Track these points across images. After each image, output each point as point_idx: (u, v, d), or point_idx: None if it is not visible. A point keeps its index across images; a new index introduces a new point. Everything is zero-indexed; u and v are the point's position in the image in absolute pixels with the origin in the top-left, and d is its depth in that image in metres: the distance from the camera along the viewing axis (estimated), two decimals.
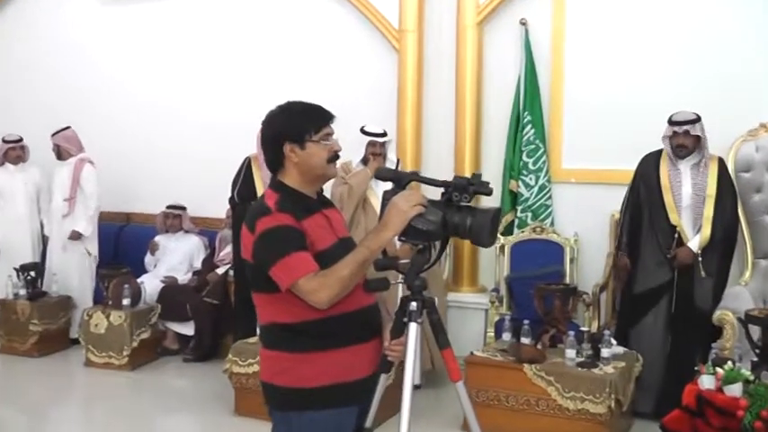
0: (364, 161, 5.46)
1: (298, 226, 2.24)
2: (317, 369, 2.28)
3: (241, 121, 5.85)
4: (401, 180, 2.27)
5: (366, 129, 5.51)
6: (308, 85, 6.19)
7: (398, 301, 2.31)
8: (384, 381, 2.38)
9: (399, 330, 2.28)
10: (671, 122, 4.91)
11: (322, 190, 2.47)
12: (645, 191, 5.02)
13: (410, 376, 2.21)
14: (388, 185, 2.36)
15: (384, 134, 5.53)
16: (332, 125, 2.37)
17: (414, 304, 2.24)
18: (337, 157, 2.38)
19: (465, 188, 2.16)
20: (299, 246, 2.22)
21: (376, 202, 5.28)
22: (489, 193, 2.19)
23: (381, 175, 2.35)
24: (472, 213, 2.17)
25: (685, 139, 4.88)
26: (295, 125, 2.33)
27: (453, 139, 6.16)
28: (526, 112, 5.92)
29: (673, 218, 4.90)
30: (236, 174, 5.63)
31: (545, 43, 5.90)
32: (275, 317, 2.33)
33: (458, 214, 2.18)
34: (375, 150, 5.43)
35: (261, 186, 5.33)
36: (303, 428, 2.30)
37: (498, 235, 5.55)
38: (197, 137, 7.03)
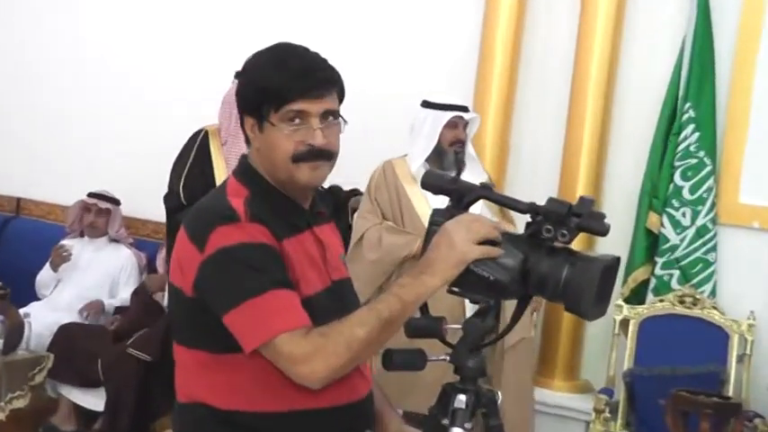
0: (439, 155, 5.03)
1: (278, 248, 2.20)
2: None
3: (208, 88, 6.04)
4: (462, 195, 2.23)
5: (436, 100, 5.16)
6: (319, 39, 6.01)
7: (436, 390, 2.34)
8: None
9: None
10: None
11: (333, 191, 2.58)
12: None
13: None
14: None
15: (468, 108, 5.24)
16: (323, 99, 2.25)
17: (462, 398, 2.19)
18: (311, 155, 2.25)
19: (563, 219, 2.08)
20: (280, 280, 2.16)
21: (417, 197, 5.05)
22: (603, 231, 2.12)
23: (430, 182, 2.31)
24: (571, 261, 2.10)
25: None
26: (256, 89, 2.26)
27: (561, 139, 5.88)
28: (688, 105, 5.54)
29: None
30: (178, 155, 5.44)
31: (732, 3, 5.66)
32: (205, 394, 2.27)
33: (548, 260, 2.11)
34: (458, 134, 5.04)
35: (222, 175, 5.29)
36: None
37: (619, 302, 5.44)
38: (142, 104, 7.06)
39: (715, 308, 5.40)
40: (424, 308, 2.23)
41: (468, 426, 2.19)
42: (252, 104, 2.26)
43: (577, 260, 2.10)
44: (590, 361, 5.88)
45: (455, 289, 2.18)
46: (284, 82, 2.22)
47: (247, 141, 2.34)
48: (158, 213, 6.35)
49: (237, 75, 2.20)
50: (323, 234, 2.37)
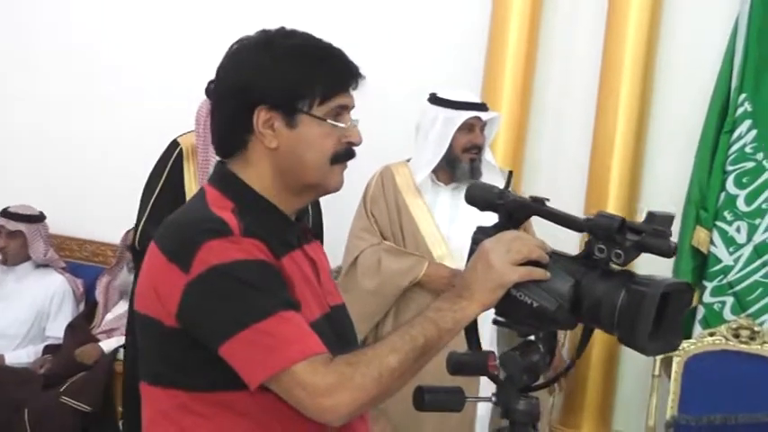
0: (450, 164, 4.88)
1: (277, 265, 2.22)
2: None
3: (168, 81, 6.24)
4: (512, 212, 2.26)
5: (449, 96, 4.98)
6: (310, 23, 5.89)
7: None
8: None
9: None
10: None
11: (307, 209, 2.66)
12: None
13: None
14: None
15: (487, 106, 5.08)
16: (353, 93, 2.33)
17: None
18: (351, 155, 2.31)
19: (614, 236, 2.10)
20: (287, 301, 2.16)
21: (421, 213, 4.99)
22: (667, 252, 2.10)
23: (476, 197, 2.35)
24: (628, 286, 2.07)
25: None
26: (286, 77, 2.24)
27: (588, 141, 5.78)
28: (743, 97, 5.40)
29: None
30: (150, 174, 5.22)
31: None
32: None
33: (603, 284, 2.11)
34: (474, 138, 4.87)
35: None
36: None
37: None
38: (78, 95, 6.89)
39: None
40: (471, 340, 2.28)
41: None
42: (282, 94, 2.25)
43: (634, 284, 2.09)
44: (625, 407, 5.76)
45: (500, 319, 2.22)
46: (336, 69, 2.29)
47: (227, 144, 2.33)
48: (98, 232, 6.56)
49: (230, 61, 2.27)
50: (313, 253, 2.40)
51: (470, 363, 2.27)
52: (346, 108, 2.30)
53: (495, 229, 2.26)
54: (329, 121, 2.26)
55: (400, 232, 4.95)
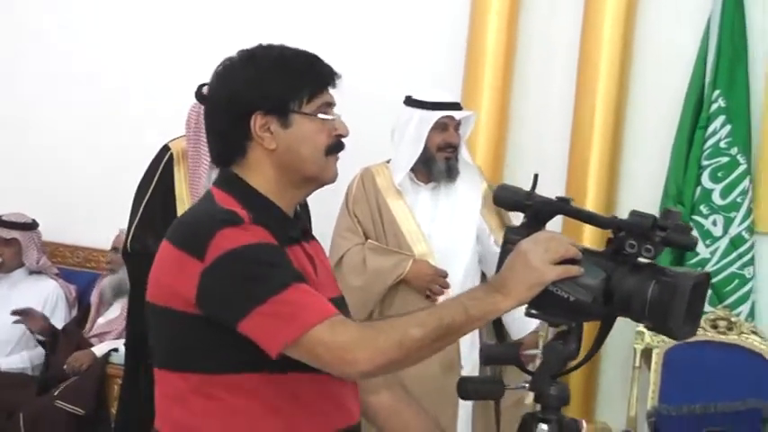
0: (427, 163, 4.94)
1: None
2: None
3: (159, 87, 6.24)
4: (539, 212, 2.34)
5: (423, 97, 5.03)
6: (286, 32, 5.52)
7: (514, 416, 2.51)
8: None
9: None
10: None
11: (306, 208, 2.92)
12: None
13: None
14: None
15: (460, 105, 5.14)
16: (333, 92, 2.48)
17: (544, 429, 2.29)
18: (341, 146, 2.45)
19: (647, 233, 2.21)
20: (299, 275, 2.28)
21: (402, 212, 5.04)
22: (691, 245, 2.27)
23: (505, 198, 2.43)
24: (658, 278, 2.19)
25: None
26: (275, 84, 2.39)
27: (567, 137, 5.80)
28: (717, 93, 5.48)
29: None
30: (142, 179, 5.20)
31: None
32: (197, 421, 2.33)
33: (632, 277, 2.22)
34: (448, 137, 4.91)
35: (183, 205, 5.12)
36: None
37: (641, 328, 5.26)
38: (70, 103, 6.88)
39: (754, 332, 5.30)
40: (500, 334, 2.42)
41: None
42: (274, 99, 2.38)
43: (664, 277, 2.19)
44: (607, 400, 5.81)
45: (534, 311, 2.28)
46: (315, 71, 2.42)
47: (219, 160, 2.46)
48: (90, 239, 6.61)
49: (222, 75, 2.43)
50: (312, 250, 2.49)
51: (503, 354, 2.40)
52: (330, 105, 2.43)
53: (526, 228, 2.33)
54: (319, 116, 2.39)
55: (382, 231, 5.00)
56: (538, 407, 2.35)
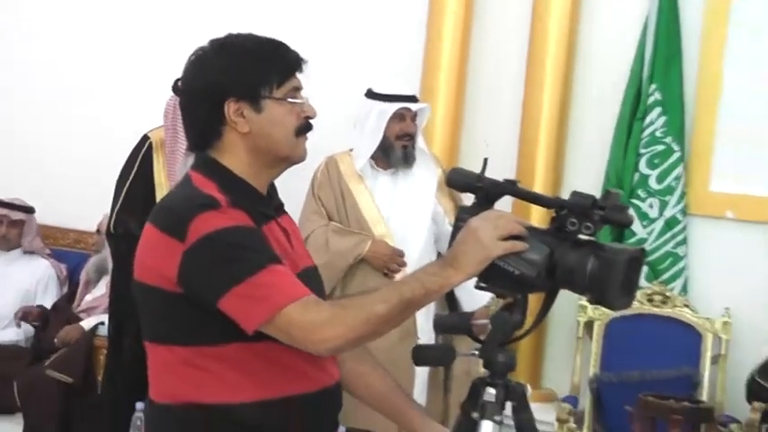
0: (386, 151, 5.08)
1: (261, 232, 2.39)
2: None
3: (140, 81, 6.36)
4: (489, 193, 2.39)
5: (382, 90, 5.17)
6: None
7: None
8: None
9: None
10: None
11: (274, 187, 2.61)
12: None
13: None
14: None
15: (416, 98, 5.26)
16: (300, 76, 2.51)
17: (491, 392, 2.34)
18: (310, 127, 2.50)
19: (588, 212, 2.24)
20: (274, 257, 2.31)
21: (363, 196, 5.18)
22: (627, 223, 2.31)
23: (457, 180, 2.47)
24: (597, 254, 2.24)
25: None
26: (245, 71, 2.43)
27: (517, 128, 5.97)
28: (653, 87, 5.65)
29: None
30: (123, 166, 5.38)
31: None
32: (185, 389, 2.38)
33: (573, 253, 2.26)
34: (406, 127, 5.06)
35: (162, 190, 5.28)
36: None
37: (583, 302, 5.41)
38: (63, 106, 7.00)
39: (687, 306, 5.48)
40: (453, 305, 2.53)
41: (497, 418, 2.30)
42: (245, 83, 2.41)
43: (603, 252, 2.22)
44: (553, 368, 5.93)
45: (483, 284, 2.30)
46: (283, 58, 2.44)
47: (196, 144, 2.48)
48: (80, 221, 6.67)
49: (195, 65, 2.48)
50: (287, 224, 2.52)
51: (455, 323, 2.48)
52: (298, 89, 2.47)
53: (476, 207, 2.36)
54: (288, 100, 2.44)
55: (345, 214, 5.14)
56: (487, 373, 2.38)
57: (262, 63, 2.43)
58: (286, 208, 2.61)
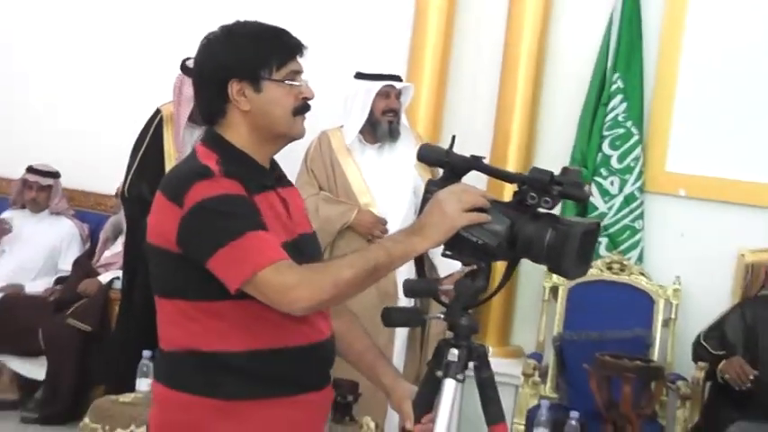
0: (372, 125, 5.27)
1: (250, 199, 2.37)
2: (244, 427, 2.41)
3: (155, 57, 6.40)
4: (455, 167, 2.37)
5: (368, 71, 5.37)
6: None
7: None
8: None
9: (430, 391, 2.39)
10: None
11: (276, 163, 2.60)
12: None
13: None
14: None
15: (400, 77, 5.41)
16: (301, 60, 2.51)
17: (455, 352, 2.33)
18: (307, 107, 2.50)
19: (546, 187, 2.23)
20: (258, 223, 2.33)
21: (351, 169, 5.33)
22: (584, 198, 2.32)
23: (427, 155, 2.46)
24: (554, 226, 2.24)
25: None
26: (247, 55, 2.45)
27: (494, 109, 6.10)
28: (616, 76, 5.80)
29: None
30: (138, 136, 5.58)
31: None
32: (187, 339, 2.43)
33: (533, 225, 2.26)
34: (390, 104, 5.26)
35: (170, 159, 5.46)
36: None
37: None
38: (85, 76, 7.13)
39: (642, 274, 5.66)
40: (421, 271, 2.47)
41: (460, 377, 2.35)
42: (247, 65, 2.46)
43: (559, 225, 2.26)
44: (521, 327, 6.06)
45: (448, 252, 2.34)
46: (283, 43, 2.49)
47: (210, 114, 2.52)
48: (100, 185, 6.79)
49: (205, 48, 2.56)
50: (287, 194, 2.57)
51: (424, 288, 2.52)
52: (298, 72, 2.50)
53: (443, 181, 2.38)
54: (286, 82, 2.47)
55: (334, 184, 5.29)
56: (451, 335, 2.39)
57: (262, 47, 2.47)
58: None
